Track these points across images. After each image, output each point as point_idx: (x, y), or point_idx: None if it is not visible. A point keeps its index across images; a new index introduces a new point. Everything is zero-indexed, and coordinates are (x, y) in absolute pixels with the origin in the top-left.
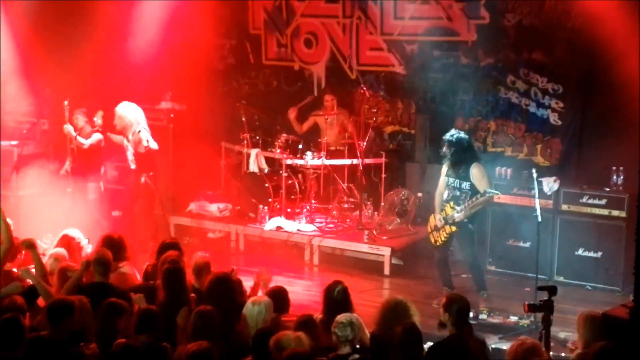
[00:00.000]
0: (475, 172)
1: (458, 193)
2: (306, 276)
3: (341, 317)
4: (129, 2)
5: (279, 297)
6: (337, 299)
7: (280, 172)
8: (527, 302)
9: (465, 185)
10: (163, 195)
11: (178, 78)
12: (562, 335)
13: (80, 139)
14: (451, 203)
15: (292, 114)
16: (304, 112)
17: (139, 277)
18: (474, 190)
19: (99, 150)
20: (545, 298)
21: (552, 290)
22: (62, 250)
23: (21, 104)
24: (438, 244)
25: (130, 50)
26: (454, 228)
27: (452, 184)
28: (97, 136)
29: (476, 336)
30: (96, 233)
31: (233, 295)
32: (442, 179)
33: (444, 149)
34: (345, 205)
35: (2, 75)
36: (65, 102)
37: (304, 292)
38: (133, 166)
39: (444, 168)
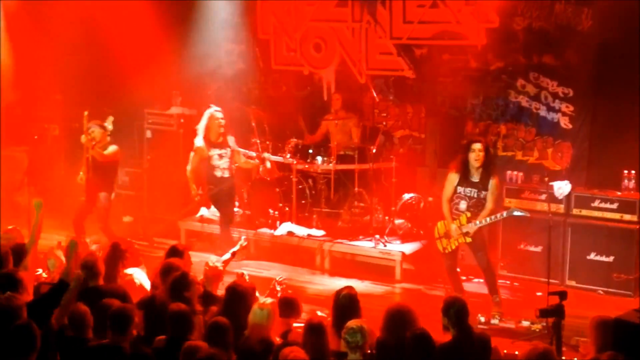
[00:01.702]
0: (496, 183)
1: (476, 202)
2: (317, 281)
3: (351, 323)
4: (140, 6)
5: (291, 303)
6: (341, 304)
7: (291, 177)
8: (538, 308)
9: (483, 194)
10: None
11: (188, 83)
12: (574, 340)
13: (97, 150)
14: (467, 213)
15: (309, 139)
16: (312, 120)
17: (148, 284)
18: (486, 199)
19: (115, 161)
20: (557, 303)
21: (562, 295)
22: (59, 252)
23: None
24: (447, 251)
25: (141, 55)
26: (468, 239)
27: (469, 194)
28: (113, 148)
29: (479, 336)
30: (104, 240)
31: (251, 305)
32: (450, 188)
33: (480, 153)
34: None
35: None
36: (86, 113)
37: (314, 298)
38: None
39: (454, 176)
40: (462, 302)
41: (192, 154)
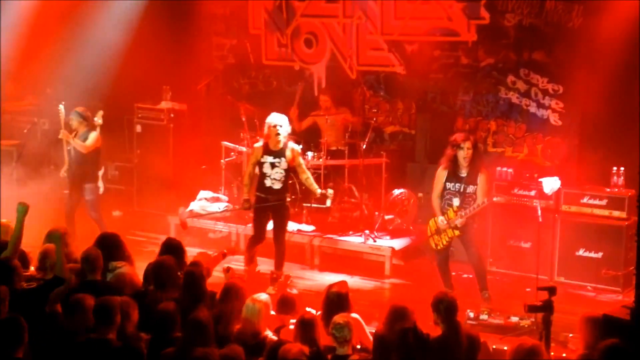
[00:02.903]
0: (485, 177)
1: (463, 197)
2: (306, 276)
3: (338, 318)
4: (129, 2)
5: (289, 301)
6: (331, 299)
7: None
8: (526, 303)
9: (471, 189)
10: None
11: (178, 78)
12: (562, 336)
13: (77, 142)
14: (454, 207)
15: (294, 113)
16: (303, 110)
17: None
18: (476, 194)
19: (98, 148)
20: (545, 299)
21: (551, 290)
22: (52, 245)
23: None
24: (439, 247)
25: (131, 50)
26: (457, 232)
27: (458, 189)
28: (93, 135)
29: (468, 332)
30: (93, 233)
31: (244, 300)
32: (440, 184)
33: (469, 151)
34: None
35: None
36: (61, 106)
37: (304, 293)
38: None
39: (442, 172)
40: (451, 299)
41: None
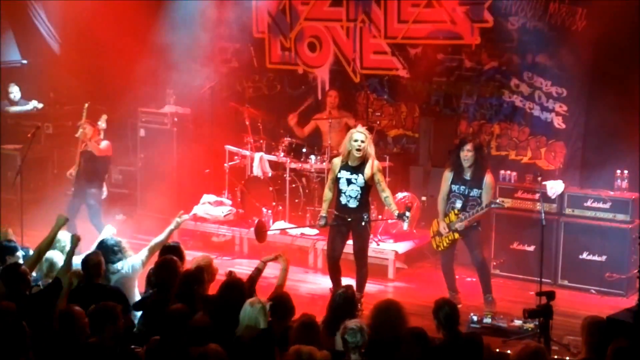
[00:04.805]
0: (489, 181)
1: (467, 200)
2: (310, 280)
3: (351, 323)
4: (133, 5)
5: (283, 302)
6: (337, 302)
7: (284, 175)
8: (526, 309)
9: (475, 192)
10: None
11: (182, 82)
12: (565, 339)
13: (92, 143)
14: (456, 210)
15: (292, 120)
16: (305, 115)
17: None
18: (482, 198)
19: (109, 156)
20: (544, 303)
21: (550, 295)
22: (59, 253)
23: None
24: (440, 249)
25: (135, 53)
26: (457, 235)
27: (463, 192)
28: (106, 143)
29: (470, 337)
30: (94, 237)
31: (243, 301)
32: (446, 186)
33: (469, 152)
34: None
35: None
36: (86, 105)
37: (308, 296)
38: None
39: (448, 174)
40: (451, 306)
41: None
